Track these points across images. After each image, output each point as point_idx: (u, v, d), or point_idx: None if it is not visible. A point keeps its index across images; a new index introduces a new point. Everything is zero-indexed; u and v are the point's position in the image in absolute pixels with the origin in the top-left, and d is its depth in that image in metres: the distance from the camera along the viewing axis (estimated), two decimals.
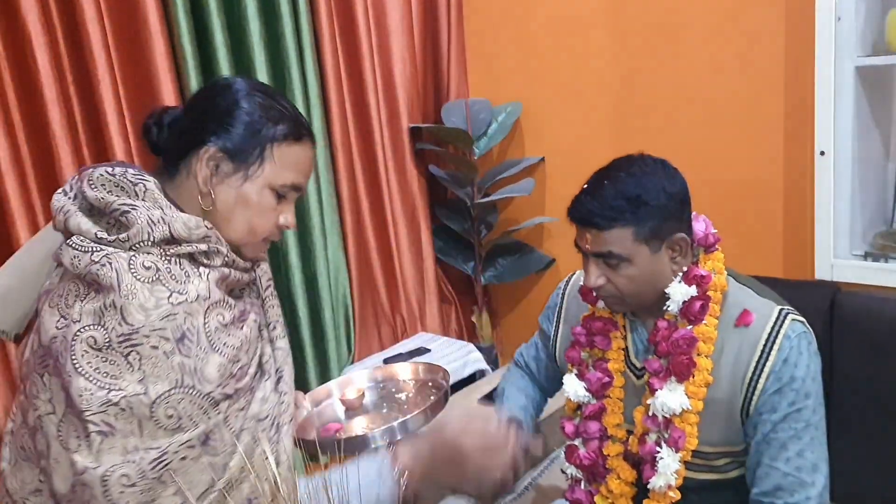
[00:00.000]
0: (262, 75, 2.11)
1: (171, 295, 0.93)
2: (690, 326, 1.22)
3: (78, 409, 0.90)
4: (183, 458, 0.93)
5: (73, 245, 0.96)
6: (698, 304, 1.22)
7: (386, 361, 2.38)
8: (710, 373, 1.21)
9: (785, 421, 1.18)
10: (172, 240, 0.97)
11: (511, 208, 2.70)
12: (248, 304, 1.07)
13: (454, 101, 2.63)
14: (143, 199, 0.98)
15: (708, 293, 1.23)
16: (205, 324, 0.95)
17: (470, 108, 2.54)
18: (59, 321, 0.94)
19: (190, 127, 1.03)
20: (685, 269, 1.24)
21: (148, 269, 0.94)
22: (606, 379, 1.32)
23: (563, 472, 1.43)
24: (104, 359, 0.91)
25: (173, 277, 0.95)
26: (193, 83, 1.96)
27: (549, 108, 2.51)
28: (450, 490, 1.31)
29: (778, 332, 1.19)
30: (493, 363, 2.63)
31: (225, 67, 2.03)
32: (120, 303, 0.91)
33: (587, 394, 1.34)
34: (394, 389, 1.43)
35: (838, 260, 1.89)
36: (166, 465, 0.92)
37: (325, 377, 2.35)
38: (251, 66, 2.11)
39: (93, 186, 0.98)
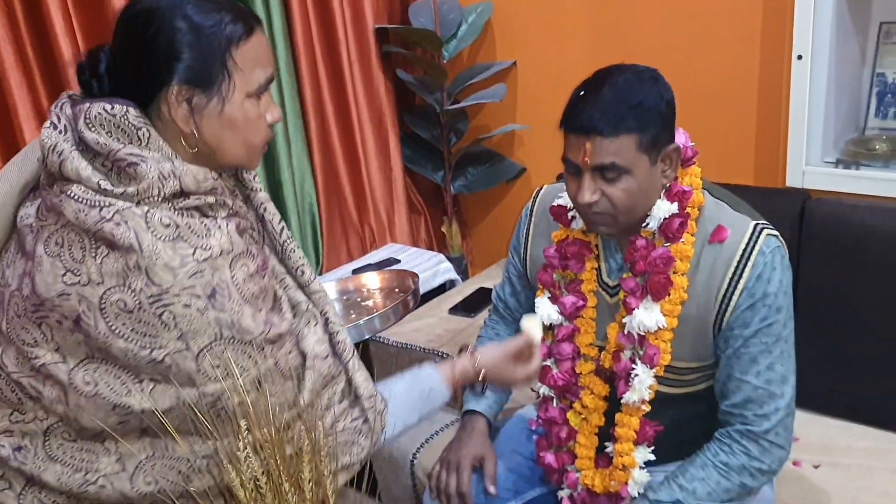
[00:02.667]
0: None
1: (195, 251, 0.91)
2: (668, 244, 1.20)
3: (125, 364, 0.91)
4: (240, 403, 0.93)
5: (76, 197, 0.91)
6: (677, 221, 1.19)
7: (355, 272, 2.36)
8: (685, 290, 1.20)
9: (756, 336, 1.19)
10: (181, 193, 0.93)
11: (481, 115, 2.64)
12: (264, 255, 1.05)
13: (422, 0, 2.51)
14: (147, 147, 0.93)
15: (687, 210, 1.20)
16: (232, 277, 0.94)
17: (439, 8, 2.43)
18: (66, 276, 0.90)
19: (138, 73, 0.94)
20: (668, 185, 1.21)
21: (167, 226, 0.91)
22: (581, 302, 1.31)
23: (532, 390, 1.44)
24: (138, 319, 0.90)
25: (194, 233, 0.93)
26: None
27: (521, 8, 2.41)
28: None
29: (753, 247, 1.18)
30: (464, 273, 2.62)
31: None
32: (144, 264, 0.89)
33: (560, 317, 1.33)
34: (359, 298, 1.42)
35: (810, 167, 1.88)
36: (221, 408, 0.94)
37: None
38: None
39: (91, 127, 0.92)
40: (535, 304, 1.37)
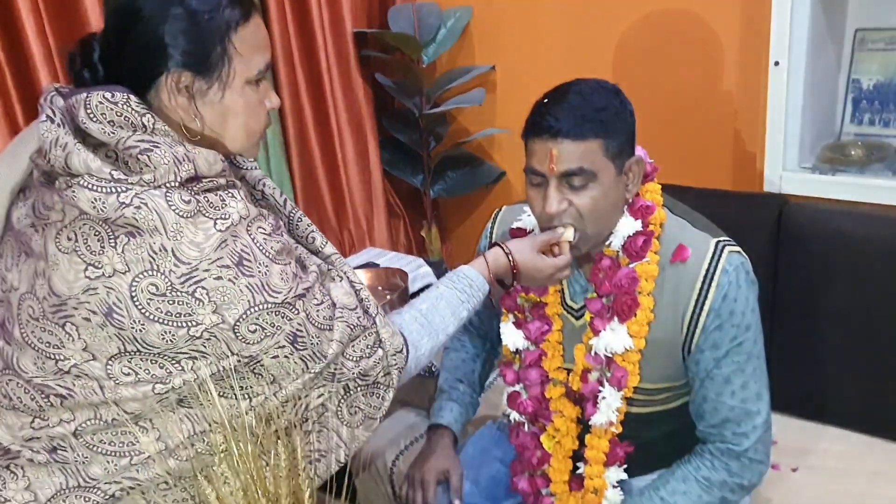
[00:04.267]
0: None
1: (216, 223, 0.92)
2: (632, 264, 1.19)
3: (161, 350, 0.90)
4: (275, 357, 0.94)
5: (90, 186, 0.88)
6: (641, 239, 1.18)
7: None
8: (652, 311, 1.19)
9: (727, 356, 1.18)
10: (195, 177, 0.92)
11: (461, 119, 2.63)
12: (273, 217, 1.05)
13: (401, 4, 2.50)
14: (154, 133, 0.91)
15: (650, 227, 1.19)
16: (253, 239, 0.94)
17: (418, 12, 2.43)
18: (88, 270, 0.89)
19: (134, 60, 0.93)
20: (630, 200, 1.19)
21: (188, 202, 0.90)
22: (546, 327, 1.29)
23: (504, 415, 1.43)
24: (171, 301, 0.89)
25: (212, 205, 0.93)
26: None
27: (500, 13, 2.41)
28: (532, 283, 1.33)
29: (716, 267, 1.16)
30: None
31: None
32: (170, 245, 0.88)
33: (526, 342, 1.32)
34: None
35: (787, 172, 1.90)
36: (258, 362, 0.94)
37: None
38: None
39: (93, 118, 0.89)
40: (500, 330, 1.36)
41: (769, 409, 1.22)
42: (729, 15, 1.96)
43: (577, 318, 1.29)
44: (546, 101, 1.15)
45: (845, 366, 1.71)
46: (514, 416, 1.38)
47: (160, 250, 0.89)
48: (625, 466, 1.27)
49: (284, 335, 0.95)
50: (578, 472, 1.31)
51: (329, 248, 1.12)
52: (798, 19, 1.78)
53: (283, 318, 0.94)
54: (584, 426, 1.30)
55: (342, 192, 2.51)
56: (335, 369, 1.01)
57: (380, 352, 1.06)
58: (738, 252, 1.19)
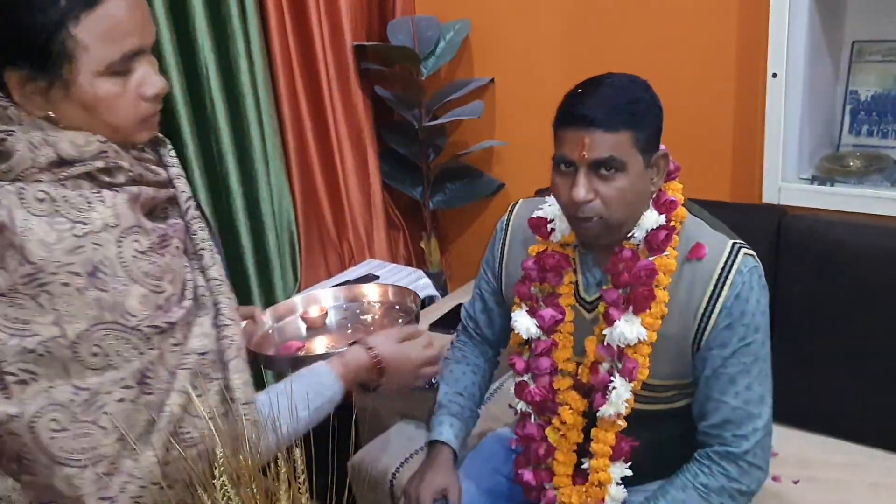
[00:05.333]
0: None
1: (73, 226, 0.85)
2: (652, 257, 1.20)
3: None
4: (120, 400, 0.86)
5: None
6: (663, 233, 1.19)
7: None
8: (666, 305, 1.20)
9: (734, 356, 1.19)
10: (62, 162, 0.86)
11: (460, 131, 2.64)
12: (171, 229, 0.97)
13: (400, 17, 2.51)
14: (8, 122, 0.87)
15: (672, 223, 1.21)
16: (119, 253, 0.87)
17: (417, 26, 2.44)
18: None
19: None
20: (655, 193, 1.22)
21: (42, 200, 0.85)
22: (559, 316, 1.30)
23: (511, 406, 1.43)
24: (10, 303, 0.83)
25: (73, 206, 0.86)
26: None
27: (499, 26, 2.42)
28: (396, 385, 1.29)
29: (731, 266, 1.18)
30: (443, 289, 2.61)
31: None
32: (18, 241, 0.82)
33: (539, 331, 1.32)
34: (358, 311, 1.39)
35: (786, 183, 1.90)
36: (100, 406, 0.85)
37: (270, 306, 2.29)
38: None
39: None
40: (513, 318, 1.36)
41: (771, 414, 1.22)
42: (727, 27, 1.97)
43: (589, 311, 1.30)
44: (580, 90, 1.17)
45: (845, 377, 1.71)
46: (522, 406, 1.38)
47: (7, 246, 0.83)
48: (629, 464, 1.27)
49: (132, 372, 0.86)
50: (583, 466, 1.31)
51: (215, 271, 1.00)
52: (795, 31, 1.78)
53: (132, 348, 0.86)
54: (589, 420, 1.30)
55: (342, 204, 2.51)
56: (178, 428, 0.91)
57: (228, 401, 0.96)
58: (753, 256, 1.22)
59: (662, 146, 1.23)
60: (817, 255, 1.74)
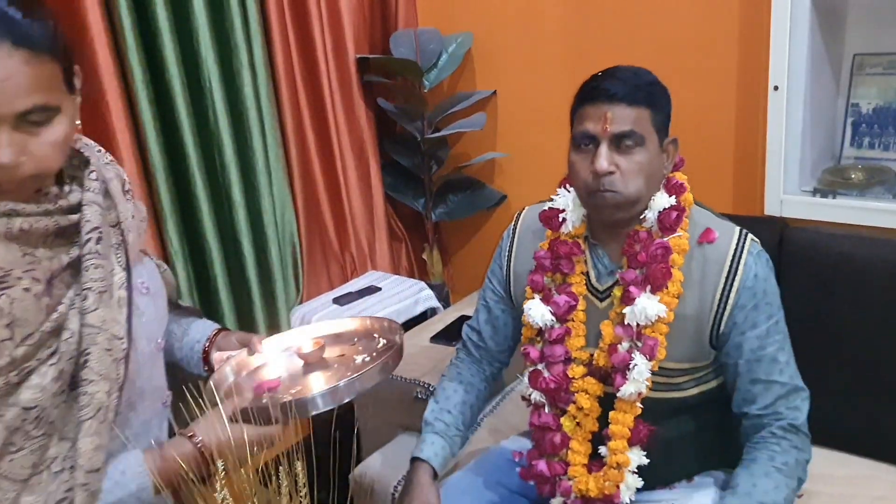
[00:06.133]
0: (199, 3, 1.98)
1: None
2: (665, 237, 1.25)
3: None
4: None
5: None
6: (674, 214, 1.24)
7: (335, 301, 2.34)
8: (681, 284, 1.24)
9: (769, 335, 1.25)
10: None
11: (462, 143, 2.64)
12: (32, 266, 0.90)
13: (402, 30, 2.52)
14: None
15: (682, 204, 1.26)
16: None
17: (419, 38, 2.45)
18: None
19: None
20: (666, 176, 1.28)
21: None
22: (573, 302, 1.32)
23: (524, 398, 1.42)
24: None
25: None
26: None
27: (501, 39, 2.43)
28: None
29: (742, 249, 1.25)
30: (445, 301, 2.61)
31: None
32: None
33: (553, 318, 1.33)
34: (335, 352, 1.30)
35: (787, 196, 1.90)
36: None
37: (272, 318, 2.30)
38: None
39: None
40: (526, 308, 1.36)
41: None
42: (728, 40, 1.98)
43: (602, 300, 1.32)
44: (600, 74, 1.26)
45: (848, 390, 1.70)
46: (535, 396, 1.37)
47: None
48: (645, 452, 1.27)
49: None
50: (600, 453, 1.31)
51: (95, 317, 0.92)
52: (797, 44, 1.79)
53: None
54: (604, 408, 1.31)
55: (344, 216, 2.52)
56: None
57: (69, 466, 0.89)
58: (758, 242, 1.28)
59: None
60: (820, 268, 1.73)
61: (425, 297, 2.44)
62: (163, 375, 1.15)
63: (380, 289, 2.41)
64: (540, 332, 1.36)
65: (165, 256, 2.04)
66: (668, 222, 1.24)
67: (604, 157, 1.19)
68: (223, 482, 0.86)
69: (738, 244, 1.25)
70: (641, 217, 1.27)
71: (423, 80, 2.45)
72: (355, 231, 2.56)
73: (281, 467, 0.86)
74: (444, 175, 2.61)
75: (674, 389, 1.29)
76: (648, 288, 1.24)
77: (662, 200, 1.25)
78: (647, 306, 1.22)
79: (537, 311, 1.34)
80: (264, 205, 2.23)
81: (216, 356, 1.24)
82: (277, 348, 1.30)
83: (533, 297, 1.37)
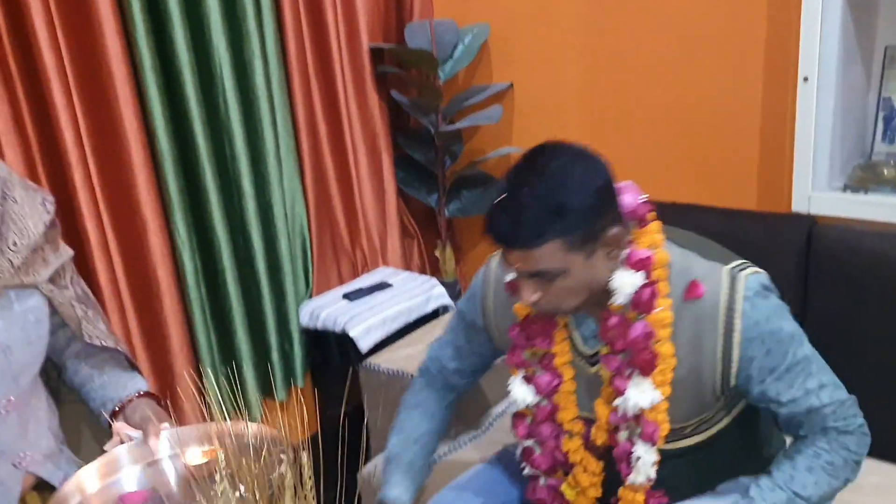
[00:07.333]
0: None
1: None
2: (643, 315, 1.13)
3: None
4: None
5: None
6: (647, 292, 1.11)
7: (346, 297, 2.29)
8: (673, 356, 1.13)
9: (790, 373, 1.14)
10: None
11: (477, 138, 2.59)
12: None
13: (418, 20, 2.47)
14: None
15: (654, 275, 1.12)
16: None
17: (435, 29, 2.40)
18: None
19: None
20: (624, 256, 1.13)
21: None
22: (556, 381, 1.23)
23: (521, 469, 1.35)
24: None
25: None
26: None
27: (518, 31, 2.37)
28: None
29: (734, 297, 1.10)
30: (457, 298, 2.55)
31: None
32: None
33: (537, 397, 1.25)
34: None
35: (816, 192, 1.83)
36: None
37: (281, 312, 2.25)
38: None
39: None
40: (508, 385, 1.28)
41: (840, 384, 1.20)
42: (754, 29, 1.91)
43: (592, 365, 1.22)
44: (499, 200, 1.08)
45: (880, 393, 1.63)
46: (528, 470, 1.31)
47: None
48: None
49: None
50: None
51: None
52: (828, 34, 1.73)
53: None
54: (608, 477, 1.23)
55: (356, 211, 2.47)
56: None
57: None
58: (753, 272, 1.13)
59: (629, 189, 1.13)
60: (850, 267, 1.67)
61: (437, 295, 2.38)
62: (16, 436, 1.09)
63: (391, 285, 2.36)
64: (528, 407, 1.28)
65: (172, 247, 1.99)
66: (643, 304, 1.11)
67: (525, 291, 1.09)
68: (224, 475, 0.80)
69: (729, 291, 1.10)
70: (610, 301, 1.13)
71: (437, 71, 2.39)
72: (367, 226, 2.50)
73: (284, 456, 0.80)
74: (458, 170, 2.55)
75: (683, 438, 1.21)
76: (637, 373, 1.13)
77: (628, 280, 1.11)
78: (638, 399, 1.13)
79: (520, 392, 1.26)
80: (274, 197, 2.18)
81: (116, 426, 1.18)
82: (168, 447, 1.15)
83: (516, 374, 1.28)
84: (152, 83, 1.87)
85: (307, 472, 0.81)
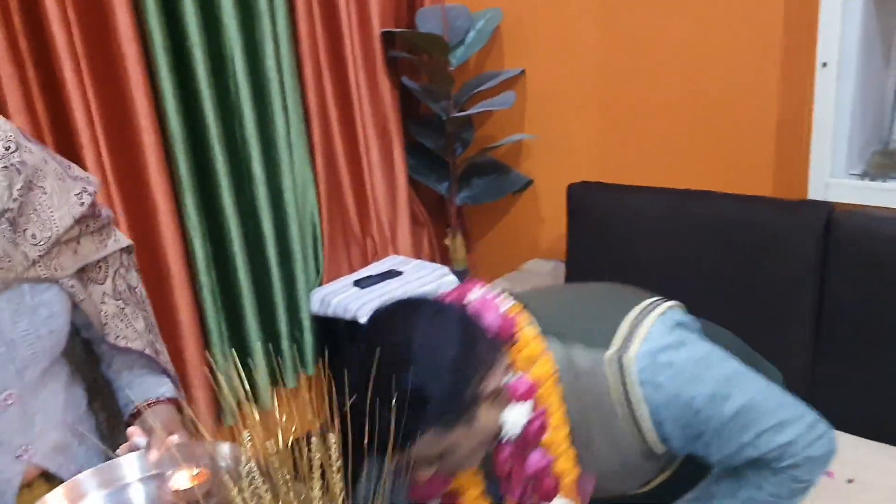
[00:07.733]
0: None
1: None
2: (538, 449, 1.06)
3: None
4: None
5: None
6: (537, 423, 1.04)
7: (356, 284, 2.27)
8: (578, 460, 1.07)
9: (719, 436, 1.04)
10: None
11: (488, 124, 2.57)
12: None
13: (430, 5, 2.45)
14: None
15: (542, 403, 1.04)
16: None
17: (447, 14, 2.37)
18: None
19: None
20: (506, 393, 1.03)
21: None
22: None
23: None
24: None
25: None
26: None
27: (531, 16, 2.35)
28: None
29: (628, 388, 1.02)
30: None
31: None
32: None
33: None
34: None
35: (834, 179, 1.81)
36: None
37: (292, 300, 2.23)
38: None
39: None
40: None
41: (799, 412, 1.07)
42: (771, 14, 1.89)
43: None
44: (354, 398, 0.92)
45: None
46: None
47: None
48: None
49: None
50: None
51: None
52: (849, 19, 1.70)
53: None
54: None
55: (366, 198, 2.44)
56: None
57: None
58: (643, 338, 1.03)
59: (493, 310, 1.06)
60: (869, 254, 1.66)
61: (448, 284, 2.35)
62: (16, 429, 1.07)
63: (401, 273, 2.34)
64: None
65: (182, 232, 1.97)
66: (533, 437, 1.04)
67: (419, 476, 1.01)
68: (249, 456, 0.78)
69: (620, 383, 1.02)
70: (499, 438, 1.04)
71: (449, 57, 2.37)
72: (377, 213, 2.48)
73: (314, 438, 0.78)
74: (469, 158, 2.53)
75: (642, 486, 1.16)
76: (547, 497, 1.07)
77: (517, 414, 1.02)
78: None
79: None
80: (285, 182, 2.16)
81: (129, 431, 1.14)
82: (159, 464, 1.07)
83: None
84: (163, 63, 1.85)
85: (335, 451, 0.79)
